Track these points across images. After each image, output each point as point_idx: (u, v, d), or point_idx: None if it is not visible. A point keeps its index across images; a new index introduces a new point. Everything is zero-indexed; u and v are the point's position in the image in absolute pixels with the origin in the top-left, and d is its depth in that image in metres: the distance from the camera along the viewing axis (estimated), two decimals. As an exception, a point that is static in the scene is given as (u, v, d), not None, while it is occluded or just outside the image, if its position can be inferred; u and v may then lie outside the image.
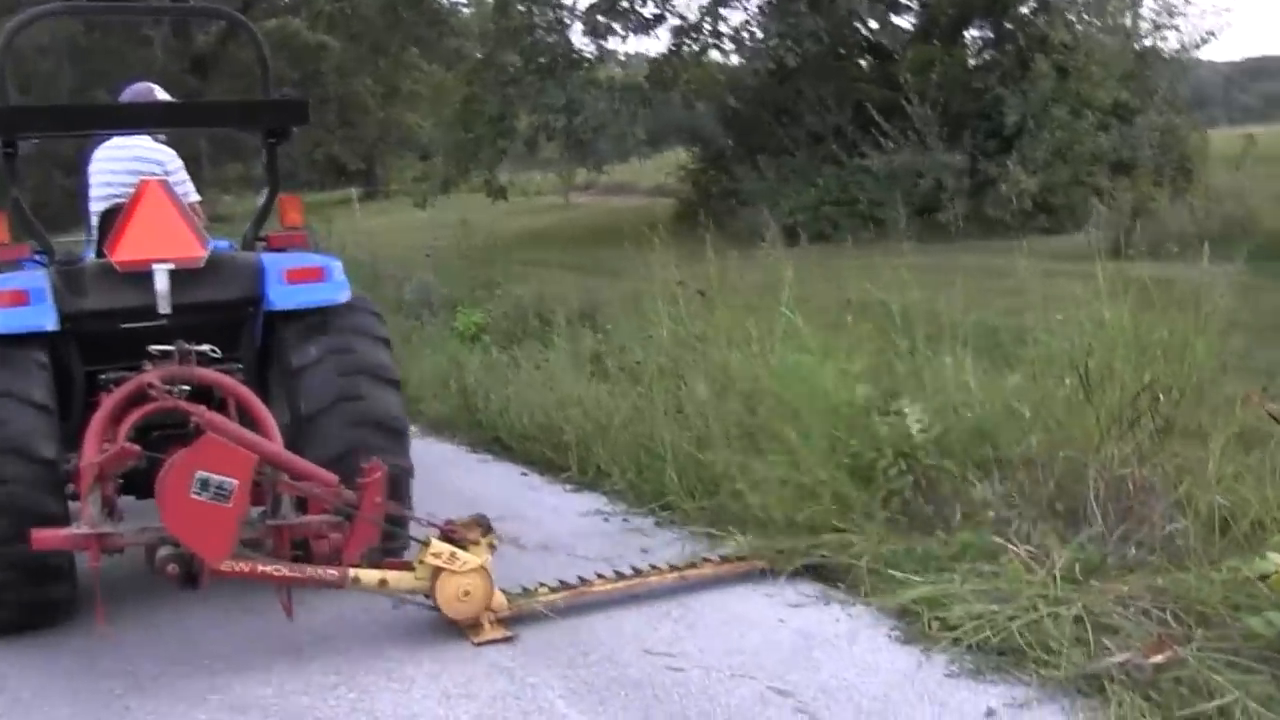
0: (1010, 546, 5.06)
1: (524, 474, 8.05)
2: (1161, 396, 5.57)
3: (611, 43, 24.77)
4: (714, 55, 24.79)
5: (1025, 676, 4.33)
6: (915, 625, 4.78)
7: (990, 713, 4.16)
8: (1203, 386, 6.01)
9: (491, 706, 4.46)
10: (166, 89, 7.35)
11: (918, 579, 5.05)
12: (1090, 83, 19.36)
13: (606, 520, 6.90)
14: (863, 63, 23.46)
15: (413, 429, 9.39)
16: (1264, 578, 4.40)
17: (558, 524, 6.76)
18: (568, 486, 7.59)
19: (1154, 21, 21.28)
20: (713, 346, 8.23)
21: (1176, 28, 21.08)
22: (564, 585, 5.36)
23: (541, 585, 5.34)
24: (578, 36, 24.35)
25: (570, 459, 7.76)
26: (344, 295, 5.69)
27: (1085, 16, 20.91)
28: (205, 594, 4.79)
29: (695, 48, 24.05)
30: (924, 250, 17.68)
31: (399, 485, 5.34)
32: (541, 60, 23.04)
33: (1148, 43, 21.26)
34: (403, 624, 5.19)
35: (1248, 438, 5.62)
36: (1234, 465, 5.40)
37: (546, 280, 16.34)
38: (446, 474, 8.02)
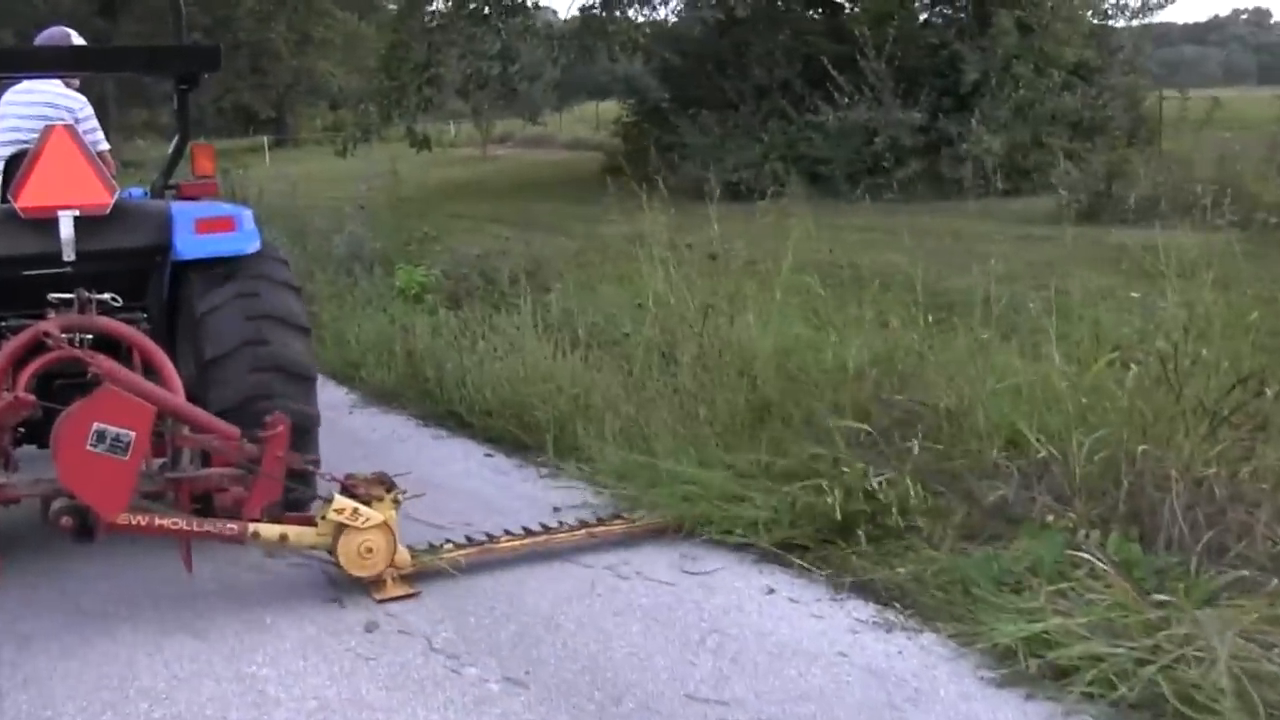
0: (1096, 562, 4.30)
1: (488, 454, 7.15)
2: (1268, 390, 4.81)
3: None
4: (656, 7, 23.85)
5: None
6: (1010, 664, 3.98)
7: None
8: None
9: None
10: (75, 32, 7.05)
11: (993, 599, 4.30)
12: (1055, 40, 18.68)
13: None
14: (812, 14, 22.54)
15: (352, 397, 8.73)
16: None
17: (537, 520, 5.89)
18: (542, 471, 6.71)
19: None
20: (713, 317, 7.47)
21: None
22: (470, 542, 5.26)
23: (447, 542, 5.24)
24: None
25: (544, 440, 6.92)
26: (254, 245, 5.57)
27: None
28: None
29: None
30: (881, 210, 17.15)
31: (305, 434, 5.26)
32: (473, 5, 21.99)
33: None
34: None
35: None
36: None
37: (482, 235, 15.55)
38: (398, 452, 7.20)
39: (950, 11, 20.58)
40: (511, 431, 7.27)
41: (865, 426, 5.86)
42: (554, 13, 28.03)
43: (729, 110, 20.70)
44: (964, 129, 17.94)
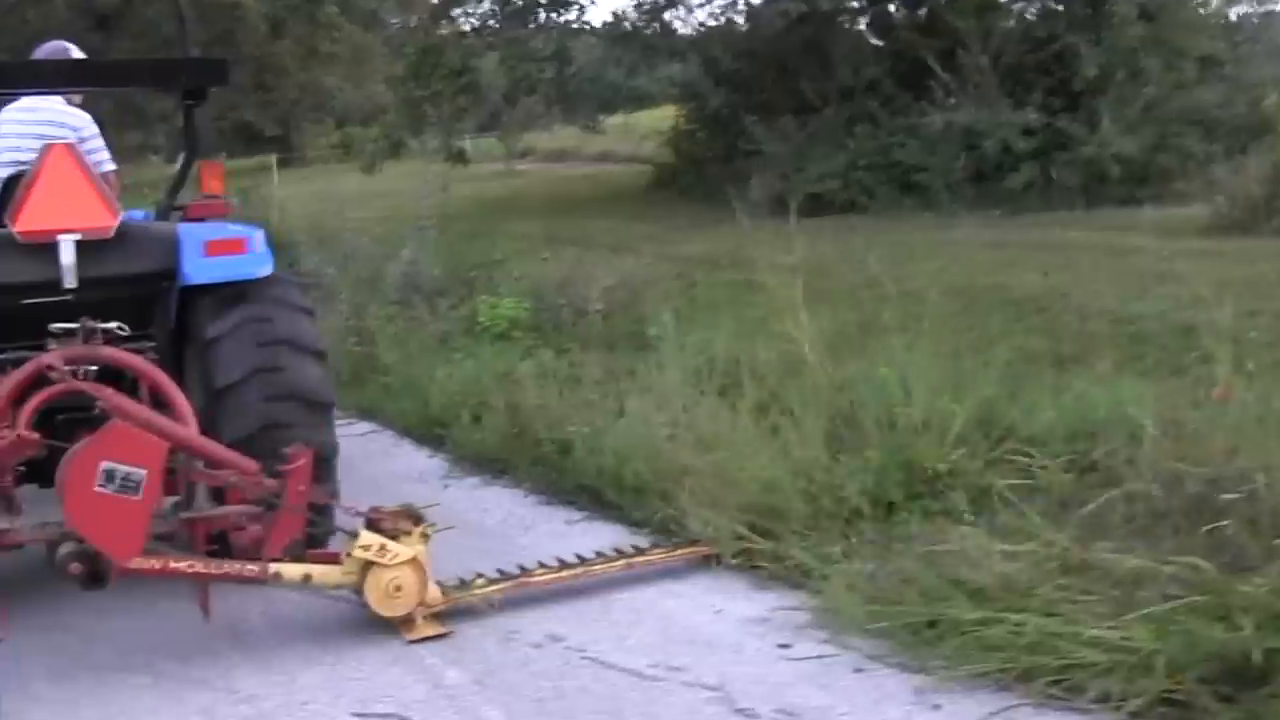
0: None
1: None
2: None
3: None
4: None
5: None
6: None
7: None
8: None
9: None
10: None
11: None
12: (1183, 29, 17.06)
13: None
14: (902, 8, 20.71)
15: (442, 464, 7.19)
16: None
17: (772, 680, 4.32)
18: (742, 581, 5.10)
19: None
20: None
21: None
22: (504, 575, 5.09)
23: (480, 576, 5.05)
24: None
25: (724, 529, 5.34)
26: (266, 268, 5.46)
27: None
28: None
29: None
30: (991, 223, 15.63)
31: (323, 466, 5.09)
32: (520, 2, 20.44)
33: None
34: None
35: None
36: None
37: (548, 258, 14.02)
38: (531, 546, 5.76)
39: (1058, 2, 18.79)
40: (674, 517, 5.68)
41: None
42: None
43: (808, 114, 19.07)
44: (1084, 130, 16.28)
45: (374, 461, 7.53)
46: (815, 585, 4.81)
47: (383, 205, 18.80)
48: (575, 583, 5.06)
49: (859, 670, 4.18)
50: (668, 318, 7.68)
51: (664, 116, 27.38)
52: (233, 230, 5.59)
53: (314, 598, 4.96)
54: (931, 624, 4.29)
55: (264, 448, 4.85)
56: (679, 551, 5.33)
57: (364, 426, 8.51)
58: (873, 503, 5.36)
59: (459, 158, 23.09)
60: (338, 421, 8.79)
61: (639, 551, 5.34)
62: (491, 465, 7.09)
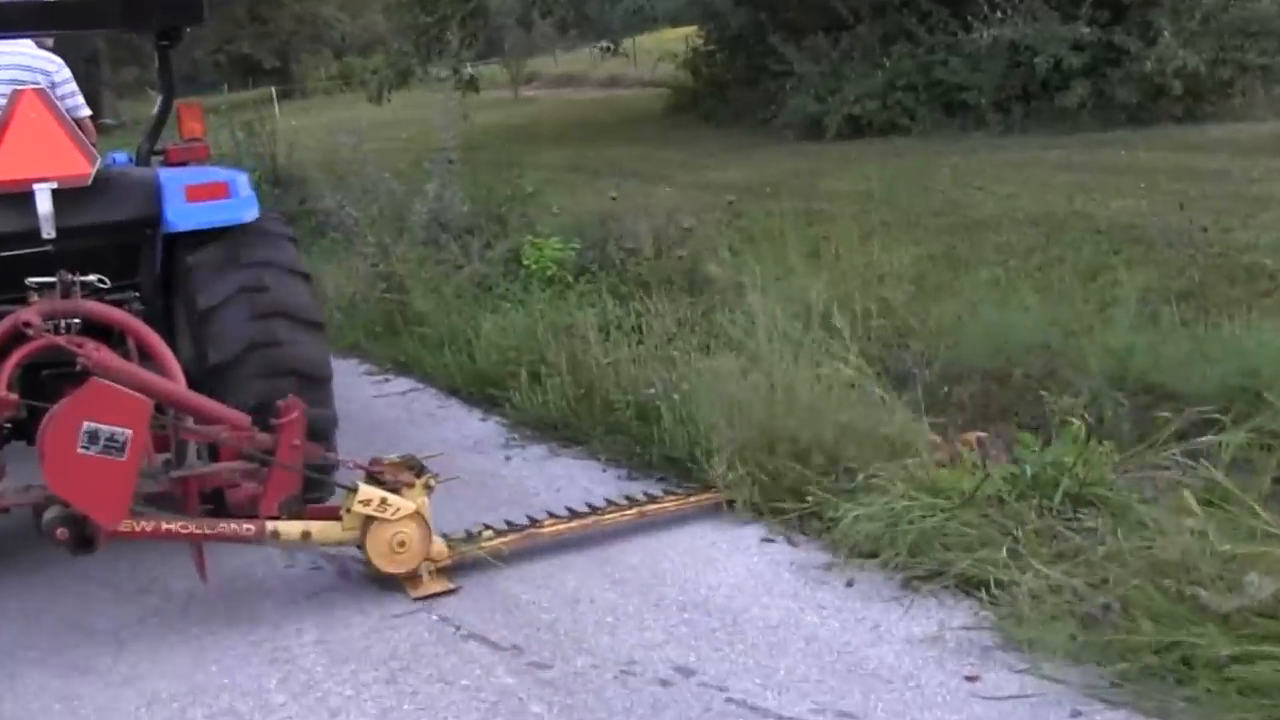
0: None
1: (767, 539, 4.69)
2: None
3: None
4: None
5: None
6: None
7: None
8: None
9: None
10: None
11: None
12: (1243, -68, 15.98)
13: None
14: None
15: (499, 430, 6.38)
16: None
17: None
18: (891, 588, 4.23)
19: None
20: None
21: None
22: (512, 527, 4.89)
23: (487, 528, 4.86)
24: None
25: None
26: (251, 213, 5.28)
27: None
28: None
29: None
30: (1056, 145, 14.66)
31: (317, 387, 5.05)
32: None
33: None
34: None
35: None
36: None
37: (578, 191, 13.13)
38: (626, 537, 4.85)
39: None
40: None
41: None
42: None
43: (839, 32, 18.02)
44: (1139, 44, 15.24)
45: (420, 426, 6.70)
46: (980, 592, 3.97)
47: (392, 135, 17.85)
48: (586, 531, 4.84)
49: (1077, 715, 3.32)
50: (728, 256, 6.81)
51: (673, 38, 26.44)
52: (215, 174, 5.42)
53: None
54: (1157, 651, 3.44)
55: (251, 371, 4.90)
56: (692, 499, 5.10)
57: (403, 383, 7.69)
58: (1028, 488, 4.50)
59: (470, 85, 22.07)
60: (372, 377, 8.07)
61: (651, 499, 5.12)
62: (556, 432, 6.24)
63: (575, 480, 5.61)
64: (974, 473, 4.68)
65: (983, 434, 5.37)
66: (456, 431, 6.54)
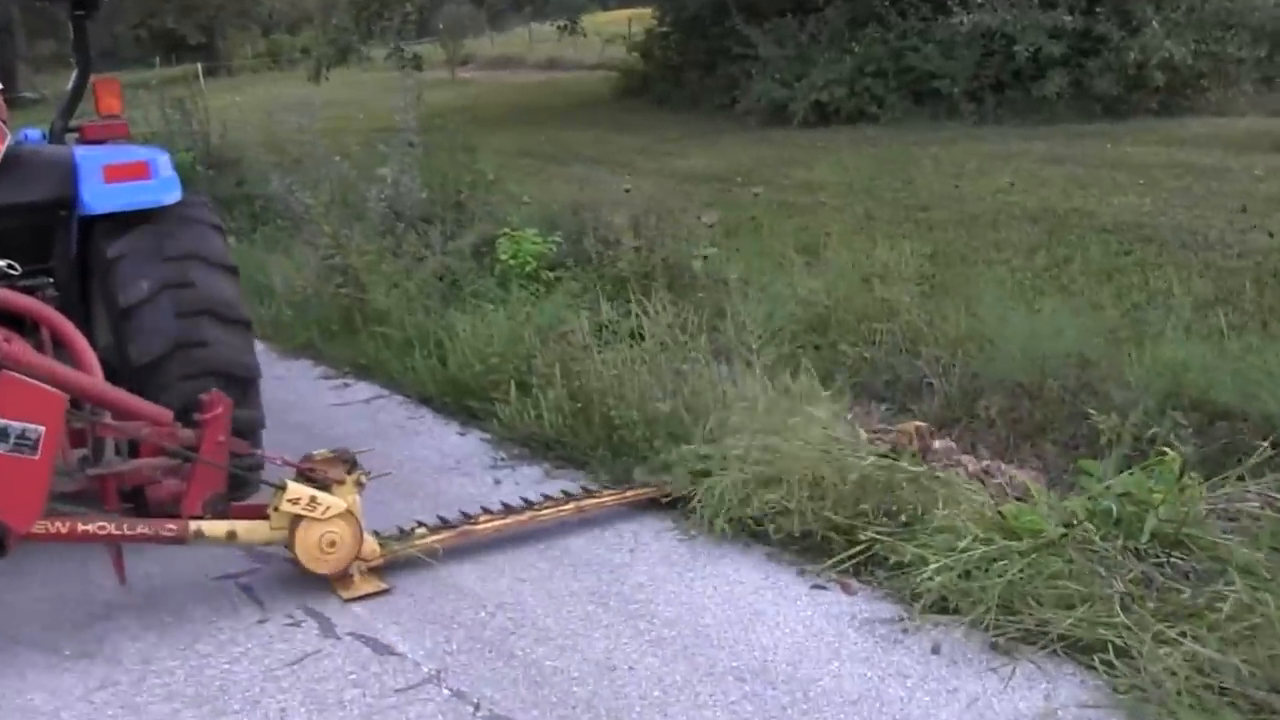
0: None
1: (818, 586, 4.12)
2: None
3: None
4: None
5: None
6: None
7: None
8: None
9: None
10: None
11: None
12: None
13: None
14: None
15: (484, 448, 5.80)
16: None
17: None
18: (983, 655, 3.68)
19: None
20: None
21: None
22: (446, 524, 4.73)
23: (419, 525, 4.71)
24: None
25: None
26: (173, 195, 5.03)
27: None
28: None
29: None
30: (1039, 137, 14.15)
31: (244, 388, 4.85)
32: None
33: None
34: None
35: None
36: None
37: (534, 177, 12.58)
38: (648, 573, 4.34)
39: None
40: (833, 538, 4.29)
41: None
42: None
43: (805, 15, 17.53)
44: (1119, 33, 14.82)
45: (391, 440, 6.06)
46: (1088, 657, 3.44)
47: (331, 115, 17.14)
48: (523, 528, 4.72)
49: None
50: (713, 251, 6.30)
51: (608, 21, 26.01)
52: (135, 153, 5.19)
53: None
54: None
55: (175, 372, 4.68)
56: (630, 494, 5.00)
57: (365, 389, 7.04)
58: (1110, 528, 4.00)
59: (413, 64, 21.41)
60: (330, 382, 7.42)
61: (589, 493, 5.02)
62: (550, 451, 5.65)
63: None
64: (1049, 511, 4.18)
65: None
66: (434, 448, 5.92)
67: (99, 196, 4.98)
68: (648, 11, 24.54)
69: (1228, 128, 13.45)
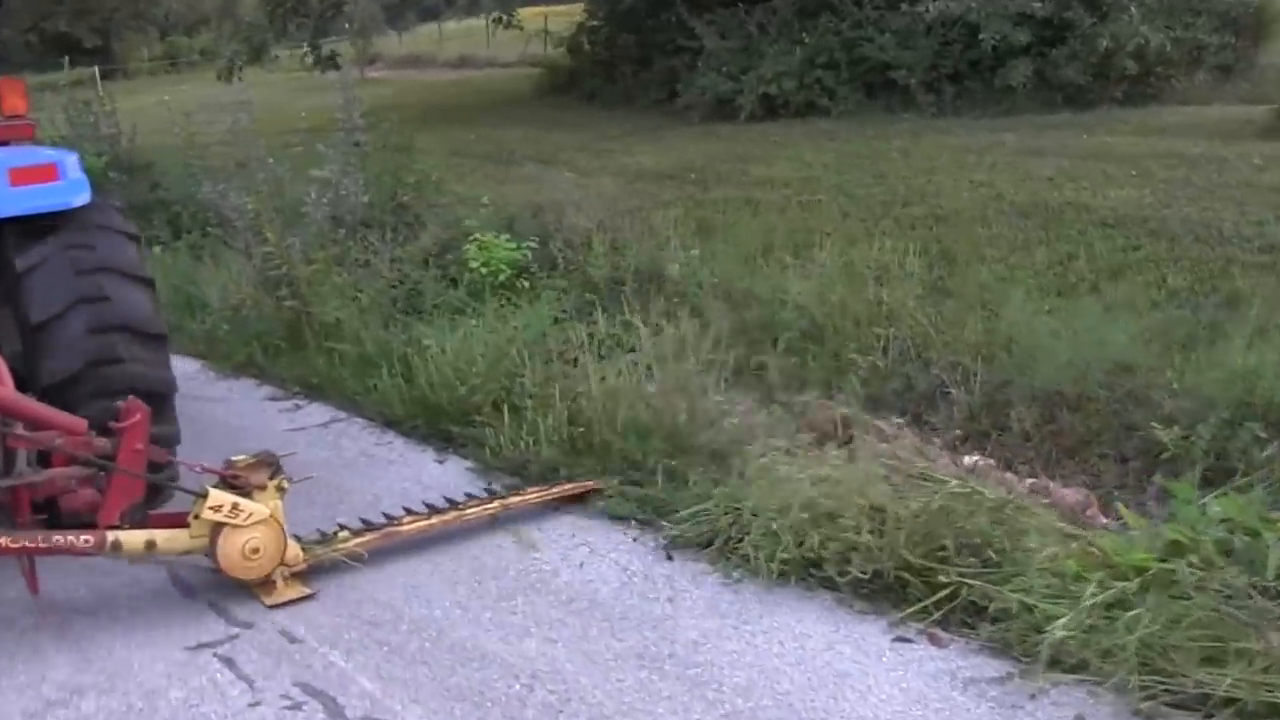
0: None
1: (903, 638, 3.61)
2: None
3: None
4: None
5: None
6: None
7: None
8: None
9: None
10: None
11: None
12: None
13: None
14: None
15: (473, 478, 5.23)
16: None
17: None
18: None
19: None
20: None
21: None
22: (369, 526, 4.71)
23: (342, 528, 4.67)
24: None
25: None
26: (83, 197, 4.97)
27: None
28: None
29: None
30: (1008, 128, 13.68)
31: (160, 404, 4.69)
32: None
33: None
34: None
35: None
36: None
37: (466, 177, 12.13)
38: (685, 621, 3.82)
39: None
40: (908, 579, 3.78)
41: None
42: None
43: (754, 6, 17.03)
44: (1088, 20, 14.44)
45: (360, 471, 5.50)
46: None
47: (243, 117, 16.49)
48: (448, 528, 4.71)
49: None
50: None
51: (533, 15, 25.63)
52: (42, 155, 5.13)
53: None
54: None
55: (91, 386, 4.62)
56: (555, 490, 4.98)
57: (319, 412, 6.45)
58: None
59: (329, 63, 20.82)
60: (279, 403, 6.82)
61: (513, 490, 5.01)
62: (544, 481, 5.08)
63: (598, 551, 4.47)
64: (1150, 542, 3.70)
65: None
66: (411, 479, 5.36)
67: (5, 200, 4.86)
68: (564, 8, 24.17)
69: (1201, 116, 13.13)
